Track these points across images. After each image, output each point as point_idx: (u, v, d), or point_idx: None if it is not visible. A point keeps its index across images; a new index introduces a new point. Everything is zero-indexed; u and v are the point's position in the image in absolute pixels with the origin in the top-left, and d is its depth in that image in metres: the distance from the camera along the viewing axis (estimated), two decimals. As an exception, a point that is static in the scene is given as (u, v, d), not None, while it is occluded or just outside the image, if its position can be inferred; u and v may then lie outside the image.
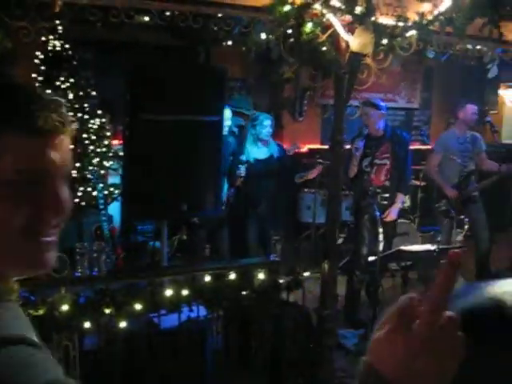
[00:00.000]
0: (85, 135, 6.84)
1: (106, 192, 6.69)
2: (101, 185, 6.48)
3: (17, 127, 0.99)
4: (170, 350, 3.80)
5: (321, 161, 6.76)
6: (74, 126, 1.12)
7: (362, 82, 3.94)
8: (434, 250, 4.84)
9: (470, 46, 4.74)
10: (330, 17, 3.56)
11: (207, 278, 3.94)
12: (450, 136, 6.58)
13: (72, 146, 1.09)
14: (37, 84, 6.69)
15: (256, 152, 5.94)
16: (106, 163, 7.03)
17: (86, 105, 6.85)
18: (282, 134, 8.23)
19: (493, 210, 6.53)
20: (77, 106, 6.75)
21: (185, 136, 3.98)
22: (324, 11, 3.54)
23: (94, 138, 6.92)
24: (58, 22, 5.78)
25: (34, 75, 6.67)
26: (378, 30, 3.60)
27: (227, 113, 5.69)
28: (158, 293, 3.75)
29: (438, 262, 5.41)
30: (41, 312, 3.44)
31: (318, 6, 3.54)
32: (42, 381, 0.88)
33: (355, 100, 4.09)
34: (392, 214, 5.61)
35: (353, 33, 3.59)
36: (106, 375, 3.71)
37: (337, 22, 3.58)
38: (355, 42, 3.55)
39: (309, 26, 3.55)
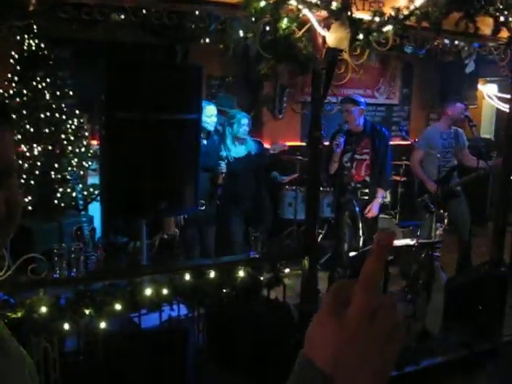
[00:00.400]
0: (63, 136, 6.79)
1: (85, 193, 6.65)
2: (80, 185, 6.43)
3: None
4: (151, 350, 3.77)
5: (300, 158, 6.77)
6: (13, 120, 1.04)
7: (340, 78, 3.93)
8: (414, 245, 4.86)
9: (447, 41, 4.75)
10: (306, 12, 3.55)
11: (187, 277, 3.93)
12: (433, 131, 6.60)
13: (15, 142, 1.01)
14: (13, 84, 6.63)
15: (234, 150, 5.94)
16: (84, 164, 6.99)
17: (63, 105, 6.80)
18: (262, 131, 8.23)
19: (471, 204, 6.57)
20: (54, 106, 6.70)
21: (162, 134, 3.96)
22: (300, 7, 3.52)
23: (72, 138, 6.87)
24: (31, 20, 5.73)
25: (9, 75, 6.60)
26: (354, 25, 3.59)
27: (213, 110, 5.68)
28: (137, 292, 3.73)
29: (419, 256, 5.44)
30: (19, 314, 3.41)
31: (293, 2, 3.52)
32: None
33: (334, 96, 4.07)
34: (374, 210, 5.63)
35: (329, 28, 3.58)
36: (87, 376, 3.68)
37: (313, 18, 3.58)
38: (331, 37, 3.54)
39: (285, 22, 3.54)
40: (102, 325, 3.61)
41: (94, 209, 6.76)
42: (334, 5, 3.51)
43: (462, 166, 6.57)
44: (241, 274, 4.08)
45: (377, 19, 3.73)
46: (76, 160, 6.88)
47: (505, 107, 6.98)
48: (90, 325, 3.66)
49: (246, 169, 5.94)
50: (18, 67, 6.62)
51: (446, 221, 5.70)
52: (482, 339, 5.19)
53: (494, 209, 5.46)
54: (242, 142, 5.95)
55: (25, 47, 6.55)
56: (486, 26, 4.38)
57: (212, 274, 4.01)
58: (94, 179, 7.08)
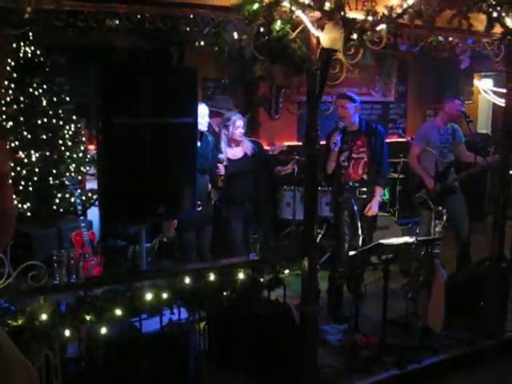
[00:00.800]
0: (60, 141, 6.80)
1: (83, 198, 6.65)
2: (78, 191, 6.44)
3: None
4: (152, 354, 3.78)
5: (297, 157, 6.78)
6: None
7: (335, 78, 3.94)
8: (413, 242, 4.87)
9: (441, 38, 4.76)
10: (299, 13, 3.55)
11: (187, 280, 3.94)
12: (430, 127, 6.60)
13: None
14: (9, 91, 6.64)
15: (230, 152, 5.94)
16: (82, 169, 7.00)
17: (60, 111, 6.81)
18: (259, 132, 8.24)
19: (470, 200, 6.58)
20: (51, 112, 6.71)
21: (159, 138, 3.96)
22: (293, 8, 3.52)
23: (69, 143, 6.88)
24: (26, 28, 5.74)
25: (6, 82, 6.61)
26: (348, 25, 3.59)
27: (205, 109, 5.68)
28: (138, 297, 3.74)
29: (418, 254, 5.45)
30: (20, 322, 3.41)
31: (286, 4, 3.52)
32: None
33: (329, 96, 4.07)
34: (373, 208, 5.63)
35: (323, 29, 3.58)
36: (89, 382, 3.69)
37: (306, 19, 3.58)
38: (325, 37, 3.54)
39: (278, 24, 3.55)
40: (103, 330, 3.61)
41: (93, 214, 6.77)
42: (327, 5, 3.51)
43: (459, 162, 6.58)
44: (241, 276, 4.09)
45: (370, 18, 3.73)
46: (74, 165, 6.89)
47: (501, 102, 7.00)
48: (91, 330, 3.67)
49: (244, 170, 5.94)
50: (15, 74, 6.64)
51: (444, 217, 5.70)
52: (485, 336, 5.20)
53: (492, 204, 5.45)
54: (237, 143, 5.96)
55: (21, 54, 6.58)
56: (479, 22, 4.38)
57: (212, 277, 4.02)
58: (92, 184, 7.09)
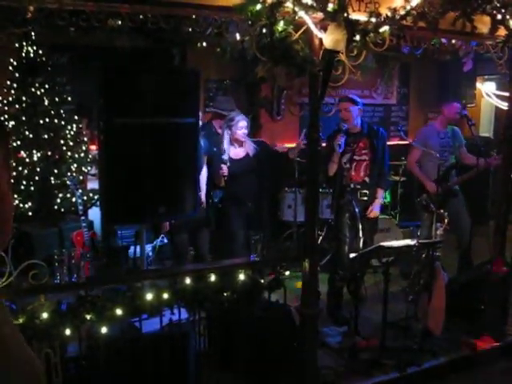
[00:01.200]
0: (62, 141, 6.81)
1: (85, 198, 6.65)
2: (79, 191, 6.44)
3: None
4: (152, 354, 3.77)
5: (298, 159, 6.76)
6: None
7: (337, 80, 3.93)
8: (414, 245, 4.86)
9: (444, 40, 4.75)
10: (302, 14, 3.54)
11: (188, 281, 3.93)
12: (430, 131, 6.59)
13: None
14: (11, 91, 6.65)
15: (233, 151, 5.95)
16: (84, 169, 7.01)
17: (61, 111, 6.82)
18: (261, 133, 8.24)
19: (472, 203, 6.57)
20: (52, 112, 6.72)
21: (160, 138, 3.96)
22: (296, 9, 3.52)
23: (71, 143, 6.90)
24: (29, 27, 5.75)
25: (8, 82, 6.62)
26: (351, 27, 3.58)
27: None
28: (138, 297, 3.73)
29: (419, 257, 5.44)
30: (21, 320, 3.41)
31: (289, 4, 3.51)
32: None
33: (331, 98, 4.06)
34: (375, 210, 5.65)
35: (325, 30, 3.58)
36: (89, 381, 3.68)
37: (309, 20, 3.57)
38: (328, 39, 3.53)
39: (281, 25, 3.54)
40: (103, 330, 3.61)
41: (94, 214, 6.77)
42: (330, 6, 3.51)
43: (460, 165, 6.57)
44: (241, 277, 4.08)
45: (373, 20, 3.73)
46: (75, 165, 6.90)
47: (503, 105, 6.98)
48: (92, 330, 3.67)
49: (246, 170, 5.95)
50: (17, 74, 6.65)
51: (446, 220, 5.69)
52: (485, 339, 5.18)
53: (494, 208, 5.44)
54: (240, 143, 5.97)
55: (23, 54, 6.58)
56: (483, 24, 4.37)
57: (212, 278, 4.01)
58: (93, 184, 7.09)
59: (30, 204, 6.68)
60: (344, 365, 4.67)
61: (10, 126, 6.62)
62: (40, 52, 6.64)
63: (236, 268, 4.15)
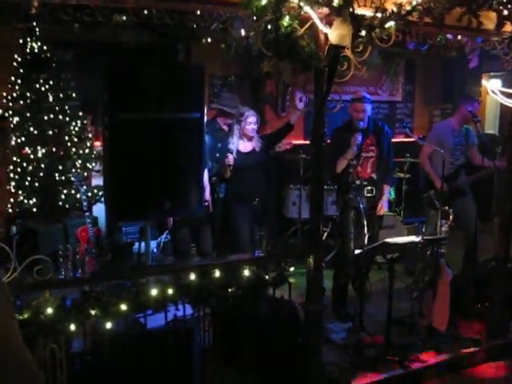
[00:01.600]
0: (66, 137, 6.81)
1: (89, 194, 6.66)
2: (84, 187, 6.44)
3: None
4: (157, 350, 3.77)
5: (303, 156, 6.75)
6: None
7: (343, 75, 3.91)
8: (419, 242, 4.85)
9: (450, 37, 4.73)
10: (308, 10, 3.52)
11: (192, 276, 3.92)
12: (445, 128, 6.53)
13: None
14: (16, 87, 6.65)
15: (241, 145, 5.97)
16: (88, 165, 7.00)
17: (66, 107, 6.81)
18: (266, 129, 8.22)
19: (477, 200, 6.55)
20: (57, 108, 6.71)
21: (165, 134, 3.95)
22: (301, 4, 3.50)
23: (75, 140, 6.89)
24: (33, 23, 5.74)
25: (12, 78, 6.61)
26: (356, 22, 3.56)
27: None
28: (143, 293, 3.73)
29: (424, 253, 5.43)
30: (26, 316, 3.41)
31: (294, -1, 3.51)
32: None
33: (336, 94, 4.04)
34: (384, 207, 5.68)
35: (331, 25, 3.56)
36: (94, 377, 3.68)
37: (314, 15, 3.55)
38: (333, 34, 3.51)
39: (286, 20, 3.52)
40: (108, 325, 3.61)
41: (99, 210, 6.78)
42: (336, 1, 3.49)
43: (469, 164, 6.54)
44: (246, 273, 4.07)
45: (379, 15, 3.71)
46: (80, 161, 6.90)
47: (509, 102, 6.96)
48: (96, 325, 3.67)
49: (252, 164, 5.95)
50: (21, 70, 6.64)
51: (451, 217, 5.68)
52: (490, 336, 5.18)
53: (499, 205, 5.43)
54: (249, 138, 5.99)
55: (27, 50, 6.57)
56: (489, 20, 4.35)
57: (217, 273, 4.01)
58: (98, 180, 7.09)
59: (34, 200, 6.68)
60: (349, 361, 4.67)
61: (15, 122, 6.63)
62: (44, 48, 6.63)
63: (241, 264, 4.14)
